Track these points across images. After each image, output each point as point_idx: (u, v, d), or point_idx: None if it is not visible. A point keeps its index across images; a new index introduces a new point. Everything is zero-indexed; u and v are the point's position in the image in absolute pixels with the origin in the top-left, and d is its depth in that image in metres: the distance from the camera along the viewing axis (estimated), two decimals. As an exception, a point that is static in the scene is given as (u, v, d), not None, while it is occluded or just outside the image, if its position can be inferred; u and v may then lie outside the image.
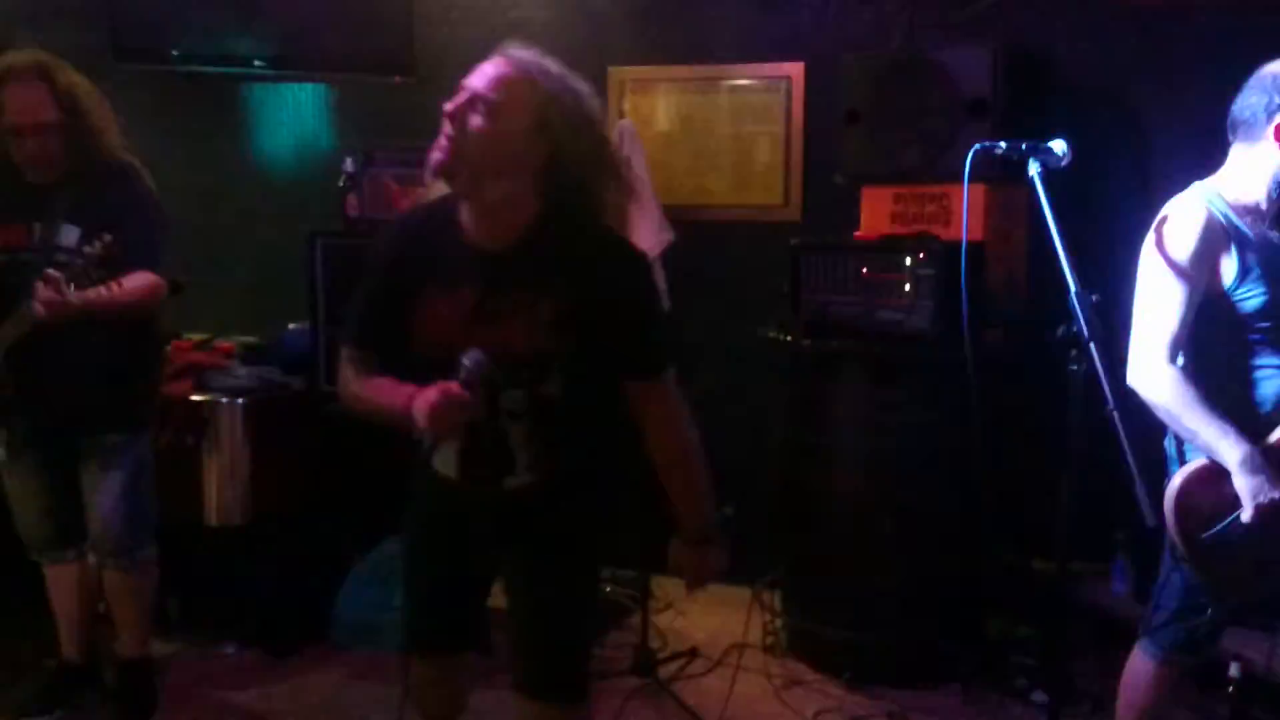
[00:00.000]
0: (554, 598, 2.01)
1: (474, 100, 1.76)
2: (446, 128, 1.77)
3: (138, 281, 2.70)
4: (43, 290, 2.53)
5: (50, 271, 2.54)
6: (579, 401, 1.89)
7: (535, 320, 1.81)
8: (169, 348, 3.34)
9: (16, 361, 2.73)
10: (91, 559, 2.96)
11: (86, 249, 2.56)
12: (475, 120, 1.75)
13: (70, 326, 2.64)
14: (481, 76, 1.78)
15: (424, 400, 1.73)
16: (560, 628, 2.03)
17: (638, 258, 1.90)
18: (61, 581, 3.00)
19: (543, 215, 1.83)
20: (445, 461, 1.95)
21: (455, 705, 2.30)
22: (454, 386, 1.74)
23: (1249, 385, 2.17)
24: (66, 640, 3.04)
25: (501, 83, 1.76)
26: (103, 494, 2.85)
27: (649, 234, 3.58)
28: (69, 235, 2.71)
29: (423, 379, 1.78)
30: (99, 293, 2.58)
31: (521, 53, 1.81)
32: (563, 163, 1.80)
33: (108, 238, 2.55)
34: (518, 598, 2.07)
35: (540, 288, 1.81)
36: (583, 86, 1.83)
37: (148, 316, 2.89)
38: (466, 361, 1.75)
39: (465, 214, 1.86)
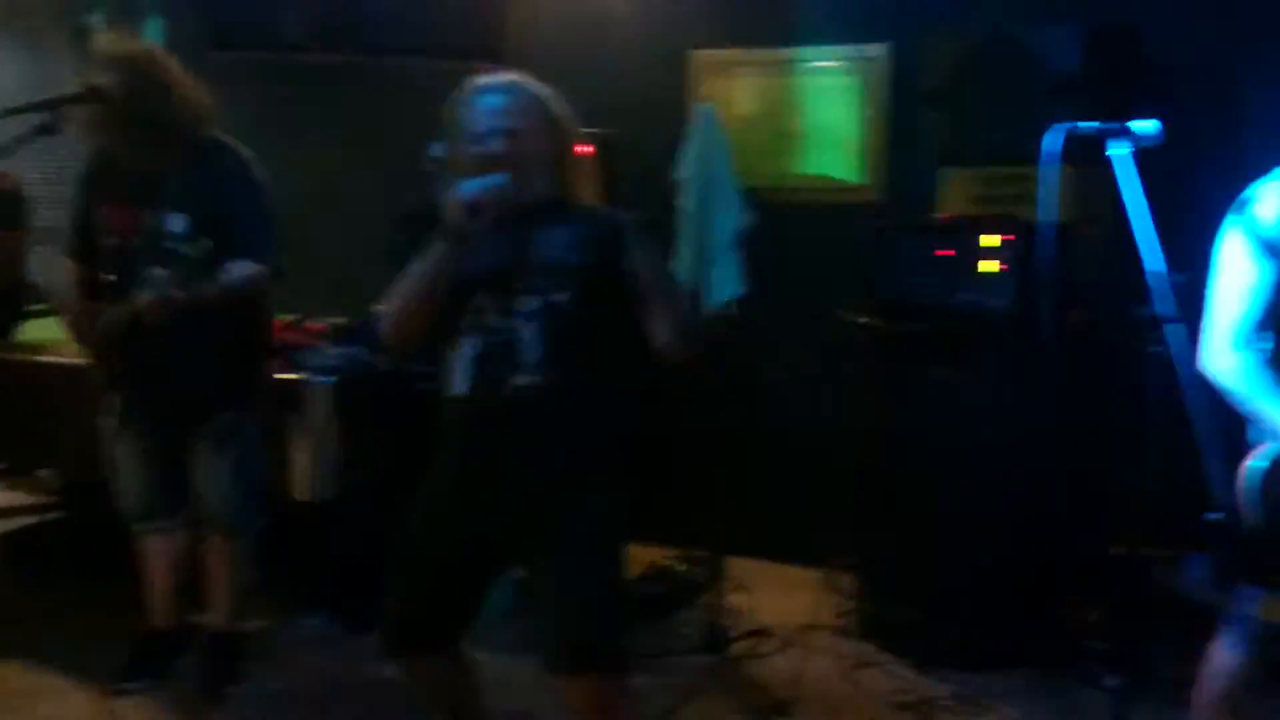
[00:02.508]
0: (578, 567, 2.09)
1: (499, 132, 2.15)
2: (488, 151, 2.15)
3: (239, 273, 2.81)
4: (148, 298, 2.66)
5: (157, 272, 2.66)
6: (587, 316, 2.13)
7: (554, 240, 2.14)
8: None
9: (125, 343, 2.83)
10: (182, 534, 3.07)
11: (189, 250, 2.67)
12: (503, 142, 2.15)
13: (176, 319, 2.75)
14: (490, 113, 2.17)
15: (466, 187, 2.05)
16: (589, 594, 2.09)
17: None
18: (155, 553, 3.09)
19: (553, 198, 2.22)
20: (460, 375, 2.15)
21: (466, 691, 2.35)
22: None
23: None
24: (158, 609, 3.14)
25: (510, 110, 2.17)
26: (217, 472, 2.94)
27: (724, 216, 3.60)
28: (177, 223, 2.80)
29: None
30: (201, 291, 2.71)
31: (513, 77, 2.23)
32: (562, 145, 2.23)
33: (209, 243, 2.67)
34: (541, 572, 2.14)
35: (560, 222, 2.17)
36: (549, 91, 2.25)
37: (254, 303, 2.99)
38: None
39: None
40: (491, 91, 2.19)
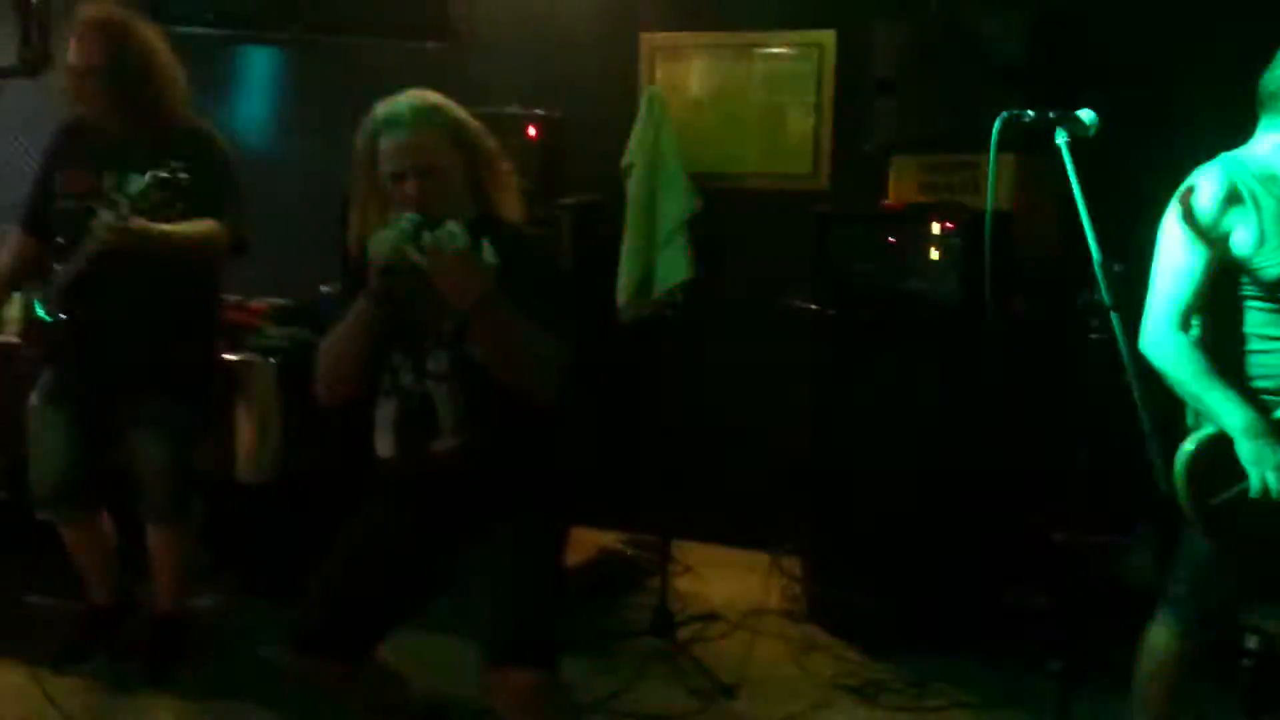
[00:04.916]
0: (512, 571, 2.12)
1: (411, 172, 2.07)
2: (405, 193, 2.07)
3: (196, 225, 2.76)
4: (105, 214, 2.58)
5: (114, 196, 2.60)
6: None
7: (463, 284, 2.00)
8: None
9: (73, 310, 2.79)
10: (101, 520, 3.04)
11: (149, 177, 2.61)
12: (418, 183, 2.07)
13: (125, 282, 2.71)
14: (402, 152, 2.07)
15: (373, 240, 2.00)
16: (522, 597, 2.11)
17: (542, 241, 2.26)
18: (77, 539, 3.04)
19: (477, 216, 2.14)
20: (383, 438, 2.16)
21: (392, 686, 2.35)
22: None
23: (1265, 355, 2.16)
24: (93, 587, 3.11)
25: (421, 147, 2.07)
26: (151, 457, 2.91)
27: (672, 202, 3.60)
28: (137, 184, 2.71)
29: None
30: (158, 227, 2.64)
31: (417, 105, 2.11)
32: (477, 163, 2.16)
33: (175, 164, 2.62)
34: (480, 576, 2.15)
35: None
36: (459, 111, 2.17)
37: (206, 278, 2.96)
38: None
39: None
40: (399, 125, 2.08)
